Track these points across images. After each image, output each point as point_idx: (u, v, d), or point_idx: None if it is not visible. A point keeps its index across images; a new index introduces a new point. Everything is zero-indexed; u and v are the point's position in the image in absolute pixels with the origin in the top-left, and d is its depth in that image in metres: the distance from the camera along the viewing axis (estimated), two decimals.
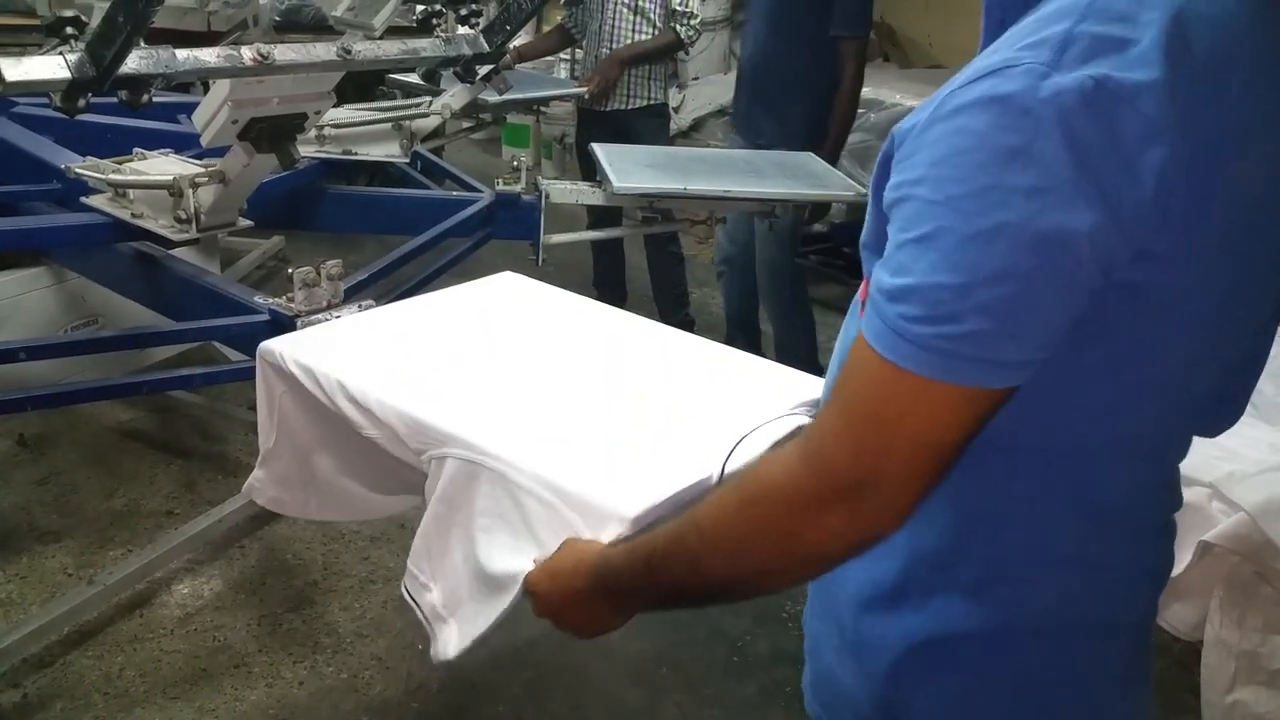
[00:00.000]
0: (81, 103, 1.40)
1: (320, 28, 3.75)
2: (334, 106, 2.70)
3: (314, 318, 1.70)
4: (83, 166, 1.91)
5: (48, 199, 2.09)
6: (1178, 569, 1.50)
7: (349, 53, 1.67)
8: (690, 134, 5.52)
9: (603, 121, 3.76)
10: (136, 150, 2.01)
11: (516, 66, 4.18)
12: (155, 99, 2.72)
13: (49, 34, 1.43)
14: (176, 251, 2.33)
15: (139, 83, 1.42)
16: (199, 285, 1.90)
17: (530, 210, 2.56)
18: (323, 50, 1.65)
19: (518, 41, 2.56)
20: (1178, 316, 0.76)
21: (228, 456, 3.07)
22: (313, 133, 2.46)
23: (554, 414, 1.37)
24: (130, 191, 1.89)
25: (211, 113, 1.63)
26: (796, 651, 2.42)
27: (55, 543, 2.62)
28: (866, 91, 4.30)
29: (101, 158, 2.01)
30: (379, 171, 2.76)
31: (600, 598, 0.98)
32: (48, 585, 2.47)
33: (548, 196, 2.57)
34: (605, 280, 4.11)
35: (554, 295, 1.82)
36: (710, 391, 1.41)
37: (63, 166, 1.96)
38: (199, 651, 2.32)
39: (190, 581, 2.54)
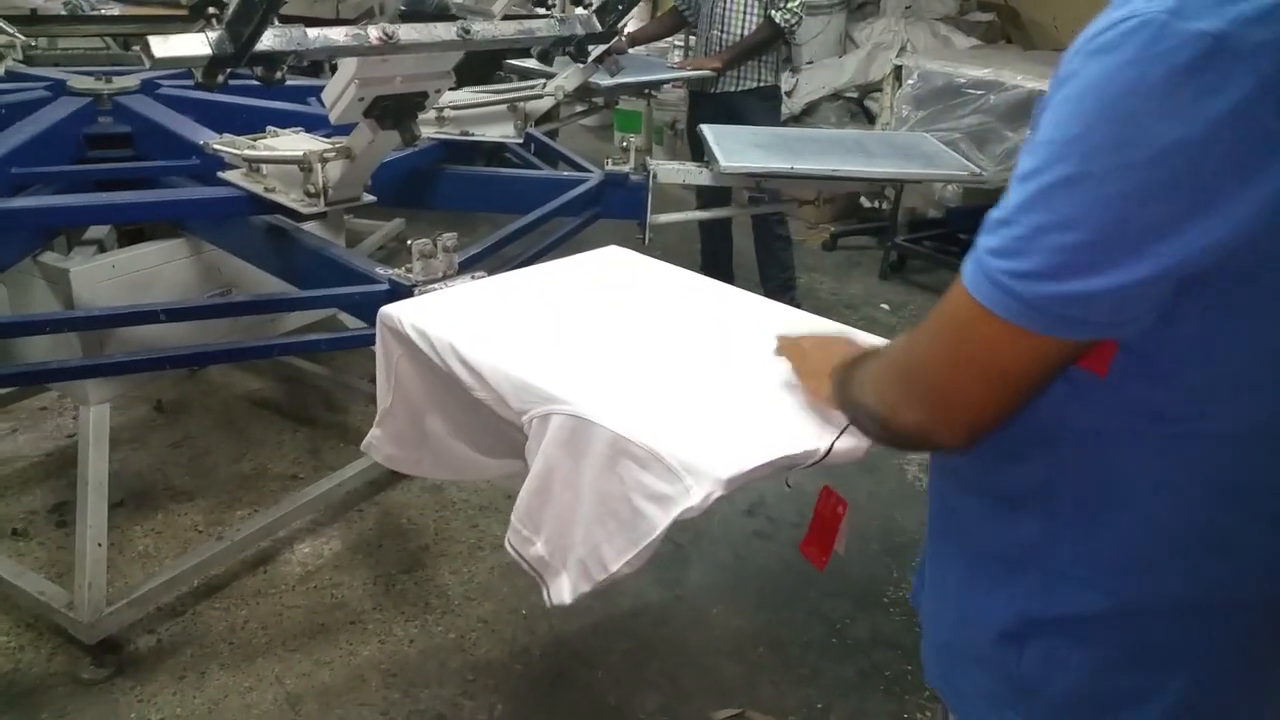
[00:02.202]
0: (221, 78, 1.50)
1: (441, 16, 3.86)
2: (452, 89, 2.79)
3: (430, 287, 1.77)
4: (220, 143, 2.03)
5: (186, 174, 2.23)
6: None
7: (468, 32, 1.73)
8: (802, 118, 5.48)
9: (713, 103, 3.78)
10: (269, 128, 2.12)
11: (630, 51, 4.23)
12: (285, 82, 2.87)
13: (191, 16, 1.52)
14: (304, 227, 2.47)
15: (273, 60, 1.50)
16: (325, 256, 2.00)
17: (638, 190, 2.60)
18: (443, 30, 1.71)
19: (631, 26, 2.58)
20: None
21: (349, 425, 3.21)
22: (432, 114, 2.55)
23: (657, 377, 1.41)
24: (263, 167, 2.00)
25: (339, 90, 1.71)
26: (896, 636, 2.42)
27: (188, 501, 2.79)
28: (986, 73, 4.21)
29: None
30: (495, 153, 2.83)
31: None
32: (180, 540, 2.63)
33: (655, 176, 2.60)
34: (712, 263, 4.13)
35: (659, 268, 1.85)
36: None
37: (201, 142, 2.09)
38: (317, 607, 2.44)
39: (311, 541, 2.68)
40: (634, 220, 2.68)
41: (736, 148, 2.71)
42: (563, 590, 1.34)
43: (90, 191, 2.26)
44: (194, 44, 1.42)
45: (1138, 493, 0.82)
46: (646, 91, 4.39)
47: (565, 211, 2.53)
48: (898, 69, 4.59)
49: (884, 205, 5.01)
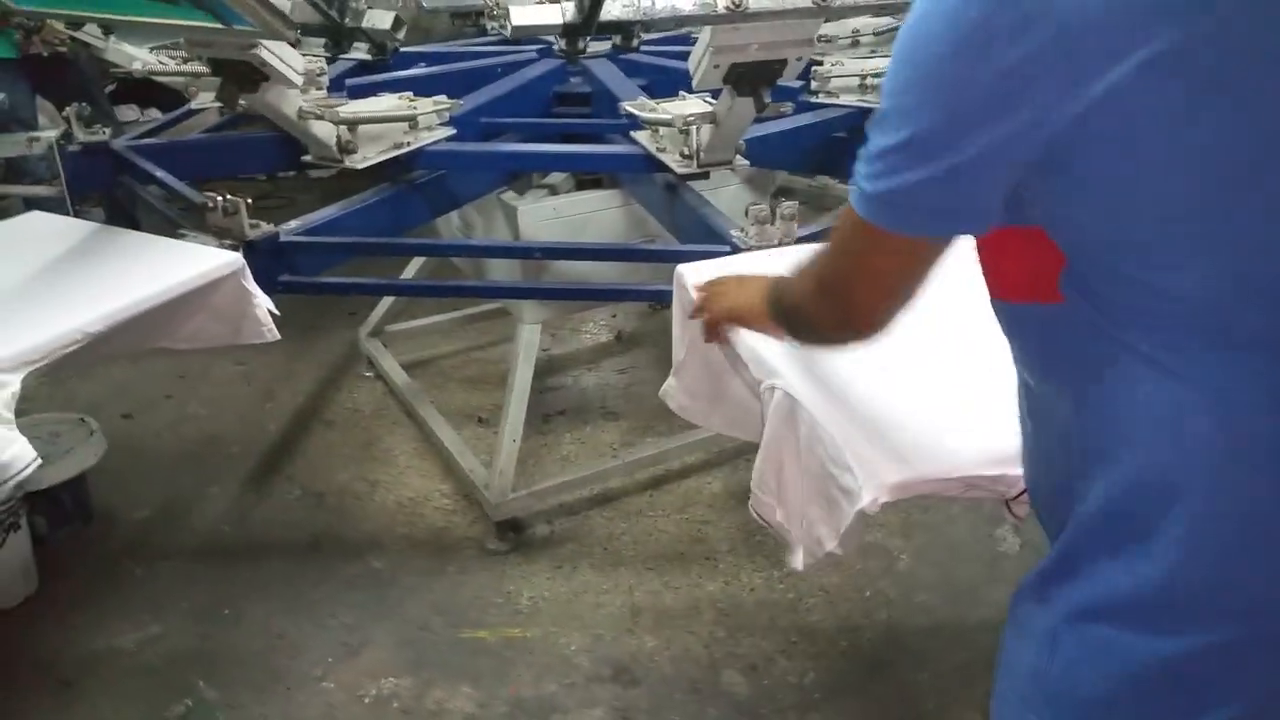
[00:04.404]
0: (580, 44, 1.68)
1: None
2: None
3: (756, 253, 1.82)
4: (631, 105, 2.25)
5: (619, 132, 2.49)
6: None
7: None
8: None
9: None
10: (681, 92, 2.29)
11: None
12: None
13: None
14: (730, 187, 2.63)
15: (623, 28, 1.65)
16: (697, 214, 2.14)
17: None
18: None
19: None
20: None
21: None
22: (855, 82, 2.54)
23: (899, 369, 1.33)
24: (660, 128, 2.19)
25: (699, 58, 1.82)
26: None
27: (612, 420, 3.17)
28: None
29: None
30: None
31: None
32: (597, 452, 3.01)
33: None
34: None
35: None
36: None
37: (620, 104, 2.33)
38: (682, 537, 2.65)
39: (697, 478, 2.89)
40: None
41: None
42: (797, 558, 1.35)
43: (550, 142, 2.63)
44: (548, 14, 1.63)
45: (1177, 430, 0.76)
46: None
47: None
48: None
49: None
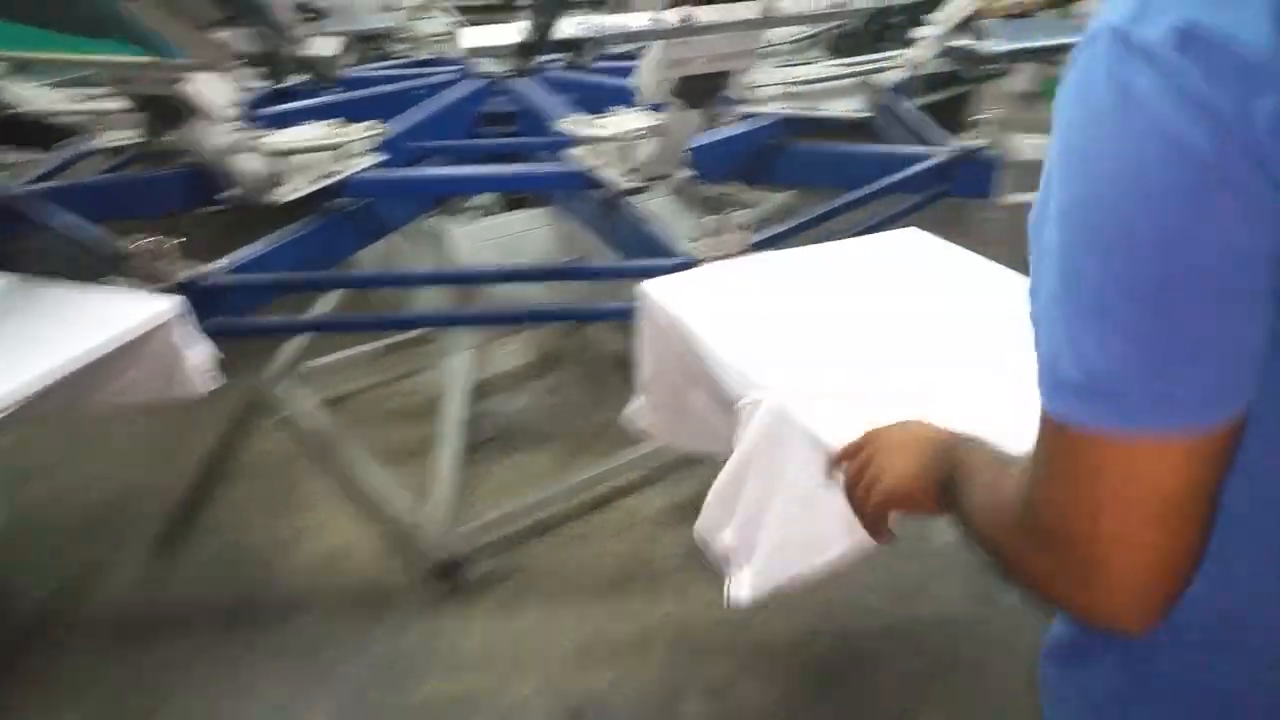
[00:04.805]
0: (531, 62, 1.64)
1: None
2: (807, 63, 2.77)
3: (718, 265, 1.81)
4: (565, 122, 2.21)
5: (550, 150, 2.45)
6: None
7: (771, 10, 1.72)
8: None
9: None
10: (614, 108, 2.27)
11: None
12: None
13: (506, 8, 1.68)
14: (669, 198, 2.60)
15: (576, 45, 1.61)
16: (641, 229, 2.12)
17: (988, 167, 2.42)
18: (744, 9, 1.71)
19: None
20: None
21: None
22: (779, 90, 2.57)
23: (890, 378, 1.33)
24: (601, 144, 2.15)
25: (648, 72, 1.80)
26: None
27: (544, 445, 3.09)
28: None
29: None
30: (859, 126, 2.76)
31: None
32: (532, 478, 2.92)
33: (1007, 153, 2.40)
34: None
35: (956, 257, 1.72)
36: None
37: (551, 123, 2.29)
38: (628, 560, 2.59)
39: (637, 496, 2.84)
40: (987, 198, 2.50)
41: None
42: (742, 587, 1.31)
43: (478, 163, 2.57)
44: (502, 34, 1.58)
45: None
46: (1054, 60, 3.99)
47: (907, 188, 2.43)
48: None
49: None
